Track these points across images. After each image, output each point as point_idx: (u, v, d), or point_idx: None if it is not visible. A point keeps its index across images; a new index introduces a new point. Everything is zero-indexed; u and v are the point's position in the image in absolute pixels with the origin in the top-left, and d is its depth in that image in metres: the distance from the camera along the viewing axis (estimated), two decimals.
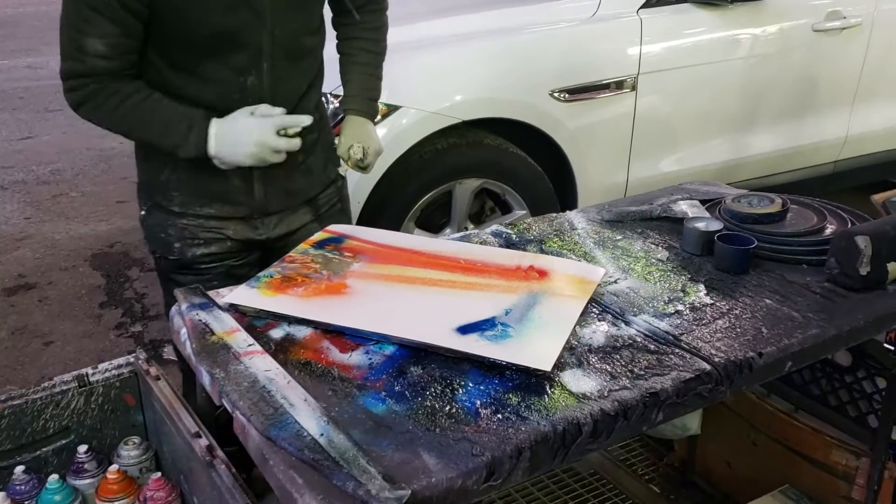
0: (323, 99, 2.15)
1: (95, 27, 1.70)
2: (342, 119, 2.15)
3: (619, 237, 2.00)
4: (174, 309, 1.64)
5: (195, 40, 1.79)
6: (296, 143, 1.86)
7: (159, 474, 1.60)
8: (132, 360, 1.74)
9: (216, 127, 1.81)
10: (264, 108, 1.84)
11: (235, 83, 1.86)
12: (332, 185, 2.17)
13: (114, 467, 1.63)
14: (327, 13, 2.12)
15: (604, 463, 2.51)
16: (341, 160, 2.13)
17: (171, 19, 1.75)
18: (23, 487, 1.60)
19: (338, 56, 2.21)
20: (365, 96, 2.16)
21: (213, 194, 1.96)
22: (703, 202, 2.12)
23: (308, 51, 1.98)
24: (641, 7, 3.50)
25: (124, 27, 1.72)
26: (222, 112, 1.85)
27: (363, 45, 2.17)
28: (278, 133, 1.84)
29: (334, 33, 2.21)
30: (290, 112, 1.92)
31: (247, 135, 1.81)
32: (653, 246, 1.95)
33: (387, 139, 3.05)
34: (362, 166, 2.09)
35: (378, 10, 2.18)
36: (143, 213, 2.06)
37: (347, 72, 2.18)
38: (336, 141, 2.16)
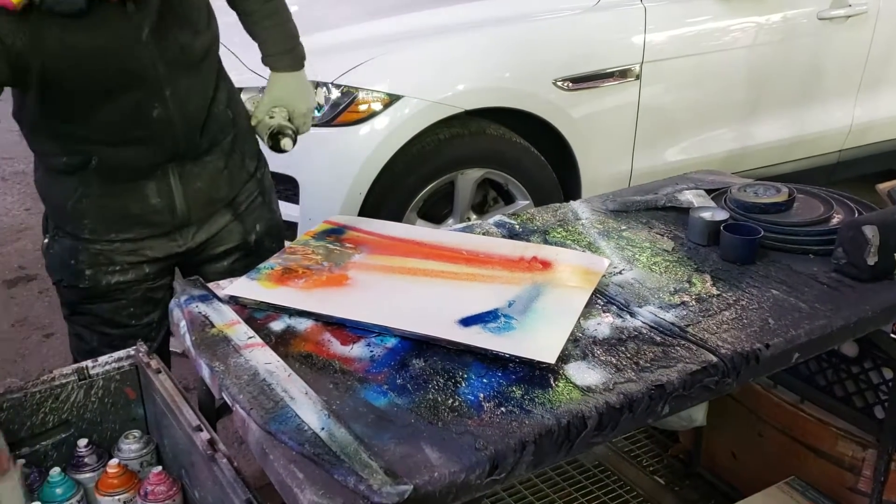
0: (234, 87, 1.99)
1: None
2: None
3: (624, 227, 1.98)
4: (173, 301, 1.62)
5: (83, 95, 1.66)
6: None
7: (160, 468, 1.59)
8: (132, 352, 1.72)
9: None
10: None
11: (138, 119, 1.72)
12: (251, 180, 1.99)
13: (114, 461, 1.61)
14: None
15: (609, 455, 2.50)
16: (259, 137, 1.96)
17: (48, 82, 1.62)
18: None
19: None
20: (282, 48, 1.96)
21: (131, 219, 1.83)
22: (708, 192, 2.10)
23: (204, 52, 1.80)
24: None
25: None
26: (132, 142, 1.73)
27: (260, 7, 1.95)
28: None
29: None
30: (204, 126, 1.81)
31: None
32: (658, 236, 1.93)
33: (388, 129, 3.03)
34: (291, 132, 1.92)
35: None
36: (45, 241, 1.91)
37: (255, 32, 1.97)
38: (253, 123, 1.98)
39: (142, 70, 1.67)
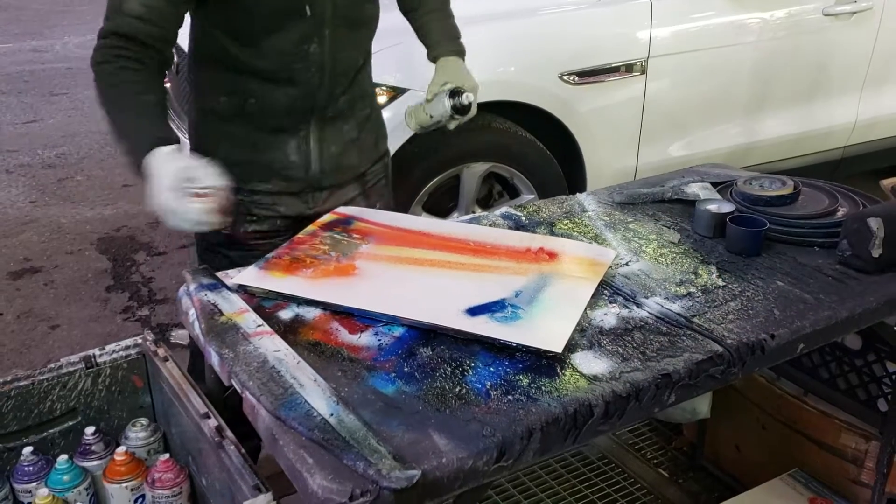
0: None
1: None
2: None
3: (631, 219, 1.98)
4: (182, 290, 1.63)
5: (257, 12, 1.78)
6: (202, 229, 1.63)
7: (167, 455, 1.59)
8: (140, 341, 1.73)
9: (149, 165, 1.63)
10: (200, 175, 1.60)
11: (297, 52, 1.85)
12: (379, 161, 2.17)
13: (121, 449, 1.62)
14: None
15: (613, 447, 2.51)
16: (410, 114, 2.12)
17: None
18: (31, 468, 1.60)
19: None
20: (448, 37, 2.15)
21: (270, 170, 1.95)
22: (714, 184, 2.10)
23: (367, 20, 1.97)
24: None
25: None
26: (285, 80, 1.86)
27: (434, 9, 2.18)
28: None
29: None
30: (348, 84, 1.95)
31: (156, 195, 1.59)
32: (664, 228, 1.93)
33: (394, 122, 3.03)
34: (463, 105, 2.04)
35: None
36: None
37: (421, 27, 2.18)
38: (407, 109, 2.15)
39: (312, 2, 1.80)
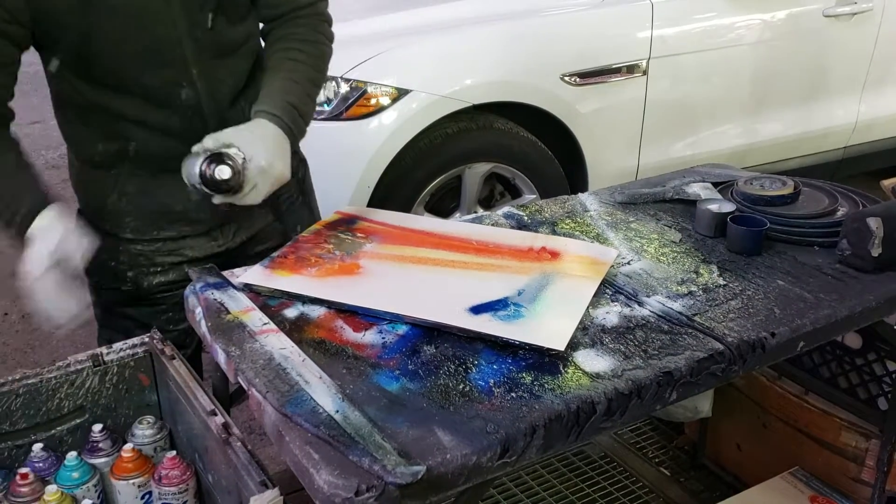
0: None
1: None
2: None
3: (632, 219, 2.00)
4: (188, 288, 1.64)
5: (109, 67, 1.61)
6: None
7: (174, 453, 1.61)
8: (147, 339, 1.75)
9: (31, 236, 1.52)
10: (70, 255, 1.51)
11: (166, 99, 1.67)
12: (291, 180, 1.77)
13: (128, 446, 1.63)
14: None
15: (614, 446, 2.52)
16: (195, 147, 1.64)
17: (76, 47, 1.59)
18: (41, 465, 1.61)
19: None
20: (281, 100, 1.70)
21: (172, 215, 1.78)
22: (715, 184, 2.12)
23: (240, 40, 1.76)
24: None
25: None
26: (160, 129, 1.69)
27: (291, 55, 1.77)
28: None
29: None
30: (237, 111, 1.74)
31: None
32: (665, 227, 1.95)
33: (396, 123, 3.06)
34: (214, 180, 1.55)
35: (313, 18, 1.82)
36: None
37: (268, 83, 1.74)
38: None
39: (168, 40, 1.62)
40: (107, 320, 1.92)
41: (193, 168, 1.57)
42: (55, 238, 1.50)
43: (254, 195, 1.61)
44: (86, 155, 1.79)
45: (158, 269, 1.83)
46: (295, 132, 1.70)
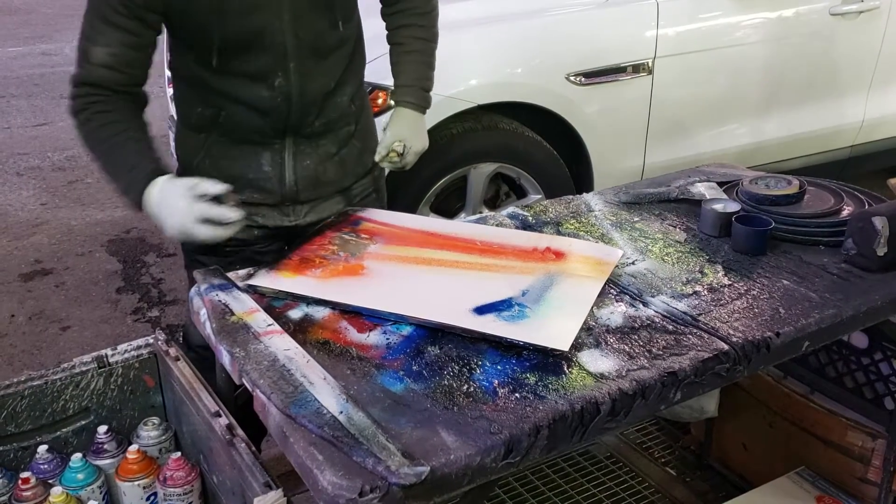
0: (365, 87, 2.11)
1: (102, 36, 1.70)
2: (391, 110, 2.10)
3: (637, 219, 1.99)
4: (193, 290, 1.65)
5: (218, 45, 1.77)
6: (222, 234, 1.67)
7: (179, 454, 1.61)
8: (151, 341, 1.75)
9: (150, 195, 1.70)
10: (205, 185, 1.67)
11: (262, 83, 1.83)
12: (367, 175, 2.10)
13: (133, 447, 1.64)
14: (374, 4, 2.07)
15: (620, 446, 2.52)
16: (378, 154, 2.04)
17: (191, 27, 1.75)
18: (46, 466, 1.62)
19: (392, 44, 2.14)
20: (416, 86, 2.10)
21: (245, 181, 1.91)
22: (720, 184, 2.11)
23: (336, 46, 1.92)
24: None
25: (131, 38, 1.71)
26: (252, 105, 1.84)
27: (413, 33, 2.11)
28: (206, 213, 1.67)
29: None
30: (320, 109, 1.91)
31: (171, 217, 1.67)
32: (670, 227, 1.95)
33: None
34: (399, 165, 2.04)
35: None
36: None
37: (397, 62, 2.11)
38: (381, 131, 2.09)
39: (272, 30, 1.78)
40: (187, 264, 2.07)
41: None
42: (176, 182, 1.69)
43: (410, 166, 2.09)
44: (186, 117, 1.97)
45: None
46: (426, 108, 2.12)
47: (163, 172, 1.72)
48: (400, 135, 2.02)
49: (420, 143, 2.06)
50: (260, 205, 1.95)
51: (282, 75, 1.83)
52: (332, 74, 1.94)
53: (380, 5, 2.13)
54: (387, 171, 2.13)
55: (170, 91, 3.31)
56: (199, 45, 1.78)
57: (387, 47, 2.11)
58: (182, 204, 1.65)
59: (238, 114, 1.86)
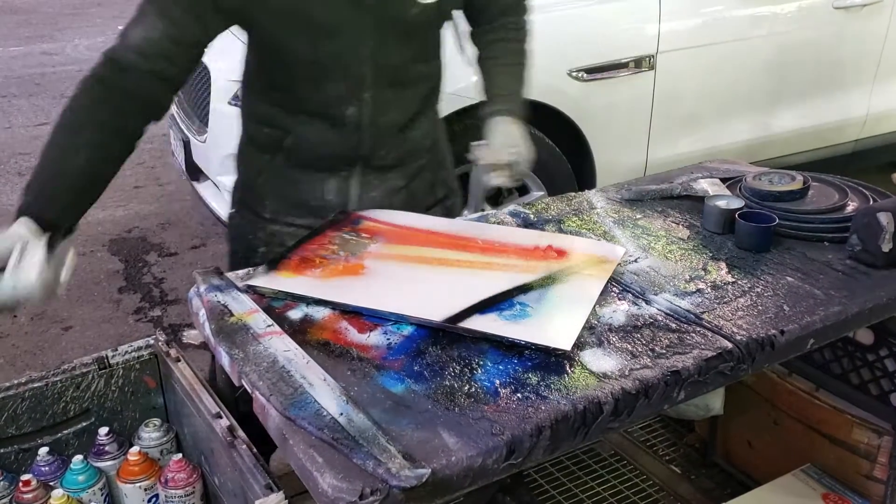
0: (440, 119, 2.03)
1: (147, 21, 1.59)
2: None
3: (639, 216, 1.98)
4: (192, 290, 1.64)
5: (292, 65, 1.73)
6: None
7: (180, 455, 1.60)
8: (152, 342, 1.74)
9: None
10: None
11: (332, 112, 1.78)
12: (437, 205, 2.04)
13: (135, 449, 1.63)
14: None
15: (624, 444, 2.51)
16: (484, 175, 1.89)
17: (267, 41, 1.72)
18: (47, 468, 1.61)
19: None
20: (509, 92, 1.95)
21: (306, 208, 1.88)
22: (723, 180, 2.10)
23: (419, 78, 1.86)
24: None
25: (175, 31, 1.60)
26: (323, 131, 1.79)
27: (505, 45, 2.00)
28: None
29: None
30: (392, 142, 1.85)
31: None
32: (673, 224, 1.93)
33: None
34: (512, 178, 1.88)
35: (520, 8, 2.06)
36: (232, 210, 2.00)
37: (489, 73, 1.98)
38: (476, 157, 1.90)
39: (354, 57, 1.73)
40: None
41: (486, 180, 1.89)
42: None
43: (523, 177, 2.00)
44: (251, 134, 1.92)
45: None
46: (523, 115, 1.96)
47: (35, 212, 1.50)
48: (507, 143, 1.87)
49: (530, 149, 1.90)
50: None
51: (356, 105, 1.78)
52: (409, 109, 1.87)
53: (475, 26, 2.02)
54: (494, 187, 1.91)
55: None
56: (273, 60, 1.75)
57: None
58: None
59: (306, 139, 1.82)
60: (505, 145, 1.86)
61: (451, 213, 2.08)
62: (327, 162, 1.85)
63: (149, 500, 1.63)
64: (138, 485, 1.62)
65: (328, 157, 1.85)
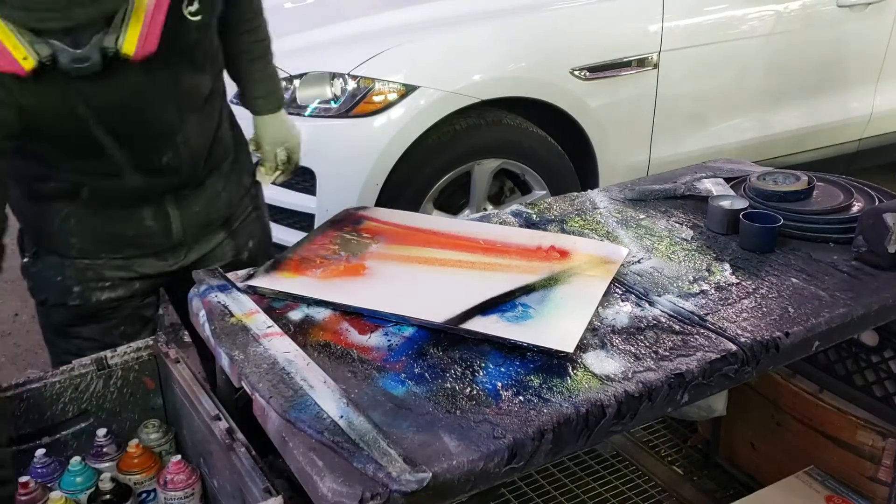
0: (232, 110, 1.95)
1: None
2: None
3: (643, 216, 1.97)
4: (192, 291, 1.63)
5: (91, 140, 1.60)
6: None
7: (179, 457, 1.59)
8: (151, 342, 1.73)
9: None
10: None
11: (148, 164, 1.70)
12: (246, 195, 1.97)
13: (134, 441, 1.62)
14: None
15: (626, 445, 2.49)
16: (259, 168, 2.01)
17: (59, 134, 1.59)
18: (44, 470, 1.59)
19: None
20: (270, 90, 2.01)
21: (123, 239, 1.78)
22: (727, 180, 2.08)
23: (212, 93, 1.78)
24: None
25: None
26: (126, 188, 1.69)
27: (250, 38, 1.94)
28: None
29: None
30: (207, 156, 1.79)
31: None
32: (677, 225, 1.92)
33: (404, 120, 3.03)
34: (291, 170, 2.03)
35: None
36: (26, 259, 1.82)
37: (242, 70, 1.97)
38: (251, 146, 2.01)
39: (159, 121, 1.66)
40: (57, 343, 1.89)
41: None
42: None
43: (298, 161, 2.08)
44: (33, 188, 1.73)
45: (108, 285, 1.81)
46: (283, 105, 2.05)
47: None
48: (276, 141, 2.01)
49: (296, 138, 2.04)
50: (138, 257, 1.82)
51: (170, 151, 1.71)
52: (214, 117, 1.82)
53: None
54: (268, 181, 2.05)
55: None
56: (63, 144, 1.61)
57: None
58: None
59: (111, 187, 1.70)
60: (274, 144, 2.01)
61: (257, 198, 2.03)
62: (132, 198, 1.74)
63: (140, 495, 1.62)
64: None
65: (134, 196, 1.74)
